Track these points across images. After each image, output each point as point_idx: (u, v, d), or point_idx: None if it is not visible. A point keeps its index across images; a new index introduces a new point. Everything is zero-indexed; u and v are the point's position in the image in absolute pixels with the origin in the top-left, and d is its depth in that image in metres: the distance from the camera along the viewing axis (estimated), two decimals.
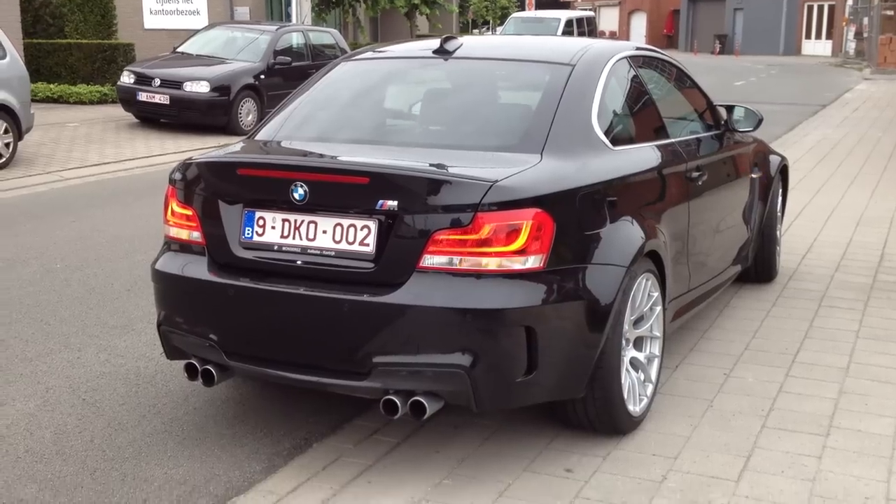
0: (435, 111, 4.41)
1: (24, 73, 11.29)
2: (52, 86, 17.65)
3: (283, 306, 3.57)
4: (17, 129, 11.01)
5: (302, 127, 4.26)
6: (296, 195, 3.52)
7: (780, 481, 3.59)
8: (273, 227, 3.63)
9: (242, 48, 15.58)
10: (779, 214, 6.47)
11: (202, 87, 14.24)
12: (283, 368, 3.64)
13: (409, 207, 3.43)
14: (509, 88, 4.38)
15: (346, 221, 3.52)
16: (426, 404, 3.42)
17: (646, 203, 4.16)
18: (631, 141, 4.36)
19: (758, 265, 6.13)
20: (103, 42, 19.23)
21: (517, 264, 3.41)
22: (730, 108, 5.48)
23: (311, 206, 3.54)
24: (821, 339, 5.20)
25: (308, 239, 3.58)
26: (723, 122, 5.44)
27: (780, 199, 6.42)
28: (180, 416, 4.17)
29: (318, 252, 3.56)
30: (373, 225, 3.48)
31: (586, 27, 29.65)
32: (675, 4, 58.76)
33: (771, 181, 6.06)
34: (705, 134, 5.25)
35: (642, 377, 4.11)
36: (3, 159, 10.84)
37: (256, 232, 3.66)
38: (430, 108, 4.44)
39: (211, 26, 17.71)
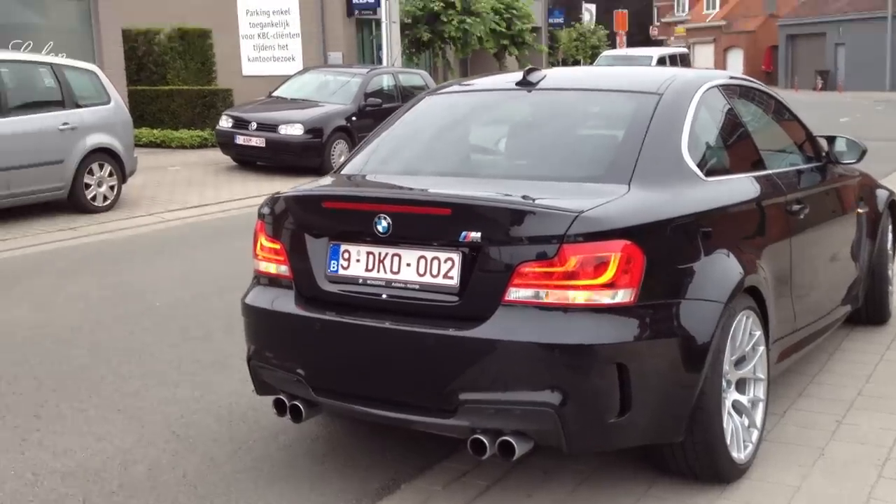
0: (519, 143, 4.35)
1: (128, 119, 11.65)
2: (154, 131, 18.22)
3: (367, 341, 3.53)
4: (121, 172, 11.35)
5: (387, 161, 4.25)
6: (379, 227, 3.48)
7: None
8: (358, 260, 3.60)
9: (335, 91, 15.86)
10: (890, 252, 6.17)
11: (296, 130, 14.51)
12: (368, 405, 3.59)
13: (493, 239, 3.35)
14: (594, 119, 4.29)
15: (429, 254, 3.46)
16: (515, 445, 3.31)
17: (744, 236, 4.00)
18: (725, 172, 4.21)
19: (869, 306, 5.83)
20: (203, 88, 19.83)
21: (606, 298, 3.29)
22: (831, 140, 5.26)
23: (395, 238, 3.50)
24: None
25: (392, 272, 3.53)
26: (824, 154, 5.23)
27: (890, 235, 6.13)
28: (271, 453, 4.15)
29: (403, 285, 3.51)
30: (456, 257, 3.41)
31: (679, 65, 29.28)
32: (773, 41, 57.74)
33: (879, 216, 5.79)
34: (806, 166, 5.05)
35: (746, 422, 3.92)
36: (108, 202, 11.17)
37: (342, 265, 3.64)
38: (513, 139, 4.38)
39: (305, 70, 18.10)
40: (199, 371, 5.27)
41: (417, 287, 3.48)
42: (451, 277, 3.43)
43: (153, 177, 13.92)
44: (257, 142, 14.66)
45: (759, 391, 4.00)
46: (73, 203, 10.81)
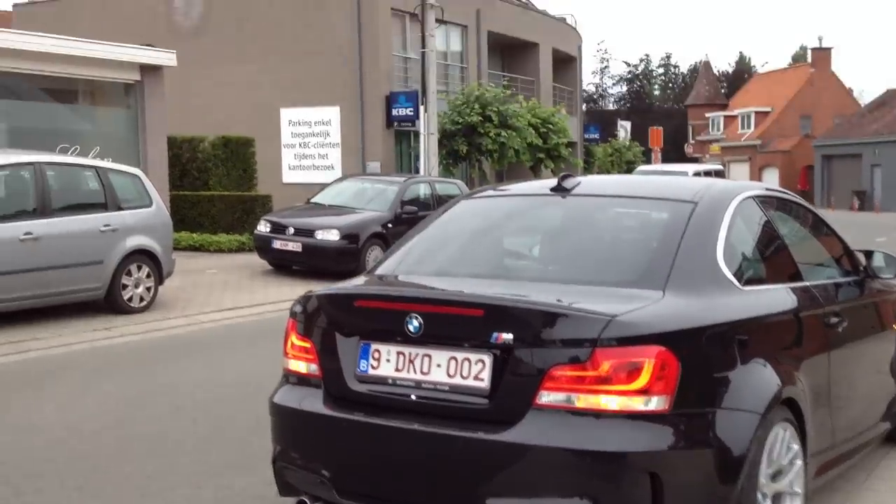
0: (552, 247, 4.35)
1: (168, 221, 11.86)
2: (194, 234, 18.51)
3: (394, 442, 3.48)
4: (159, 273, 11.49)
5: (420, 262, 4.26)
6: (411, 327, 3.47)
7: None
8: (388, 360, 3.58)
9: (372, 198, 16.07)
10: None
11: (333, 236, 14.67)
12: None
13: (525, 341, 3.33)
14: (629, 225, 4.30)
15: (460, 355, 3.44)
16: None
17: (781, 347, 3.94)
18: (762, 281, 4.18)
19: None
20: (243, 194, 20.20)
21: (640, 405, 3.24)
22: (869, 254, 5.22)
23: (426, 338, 3.49)
24: None
25: (422, 373, 3.51)
26: (862, 269, 5.18)
27: None
28: None
29: (432, 386, 3.48)
30: (487, 359, 3.38)
31: None
32: (808, 160, 57.98)
33: None
34: (843, 279, 5.00)
35: None
36: (144, 302, 11.28)
37: (371, 365, 3.62)
38: (547, 244, 4.39)
39: (343, 178, 18.42)
40: (225, 472, 5.21)
41: (447, 388, 3.45)
42: (482, 379, 3.39)
43: (190, 279, 14.08)
44: (294, 246, 14.82)
45: None
46: (110, 303, 10.92)
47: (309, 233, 14.80)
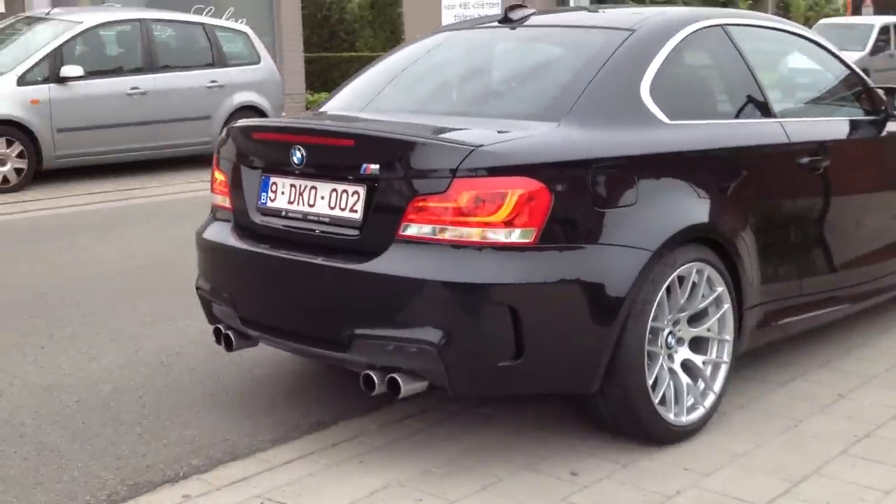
0: (480, 81, 4.20)
1: (278, 79, 12.11)
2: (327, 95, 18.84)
3: (278, 273, 3.53)
4: None
5: (355, 99, 4.20)
6: (295, 159, 3.46)
7: None
8: (283, 193, 3.60)
9: None
10: None
11: None
12: (281, 336, 3.59)
13: (390, 172, 3.25)
14: (561, 56, 4.06)
15: (340, 187, 3.41)
16: (401, 382, 3.22)
17: (712, 185, 3.65)
18: (702, 116, 3.87)
19: None
20: (383, 54, 20.27)
21: (501, 237, 3.12)
22: (891, 92, 4.70)
23: (311, 170, 3.47)
24: None
25: (309, 205, 3.50)
26: (882, 108, 4.68)
27: None
28: (234, 384, 4.22)
29: (316, 218, 3.48)
30: (361, 191, 3.34)
31: None
32: None
33: None
34: (841, 118, 4.56)
35: (703, 385, 3.62)
36: None
37: (270, 197, 3.64)
38: (477, 77, 4.23)
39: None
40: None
41: (328, 220, 3.45)
42: (356, 211, 3.36)
43: None
44: None
45: (724, 353, 3.67)
46: None
47: None
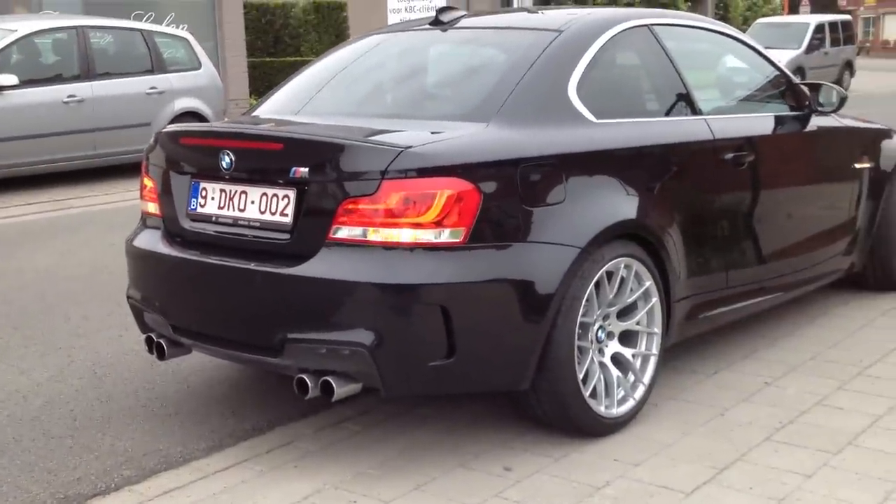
0: (413, 83, 4.22)
1: (219, 84, 12.05)
2: None
3: (209, 279, 3.52)
4: None
5: (288, 102, 4.20)
6: (223, 164, 3.45)
7: (739, 498, 3.08)
8: (213, 198, 3.59)
9: None
10: None
11: None
12: (214, 343, 3.58)
13: (319, 175, 3.26)
14: (492, 57, 4.10)
15: (270, 191, 3.40)
16: (334, 385, 3.23)
17: (636, 182, 3.70)
18: (628, 114, 3.94)
19: (875, 271, 5.34)
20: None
21: (431, 237, 3.15)
22: (815, 88, 4.82)
23: (241, 175, 3.47)
24: None
25: (239, 210, 3.50)
26: (806, 104, 4.79)
27: None
28: (168, 394, 4.19)
29: (247, 223, 3.47)
30: (292, 194, 3.34)
31: (841, 32, 27.37)
32: None
33: (887, 174, 5.24)
34: (766, 114, 4.66)
35: (632, 378, 3.68)
36: None
37: (200, 203, 3.63)
38: (410, 79, 4.26)
39: None
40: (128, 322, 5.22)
41: (259, 225, 3.44)
42: (287, 215, 3.36)
43: None
44: None
45: (653, 346, 3.74)
46: None
47: None
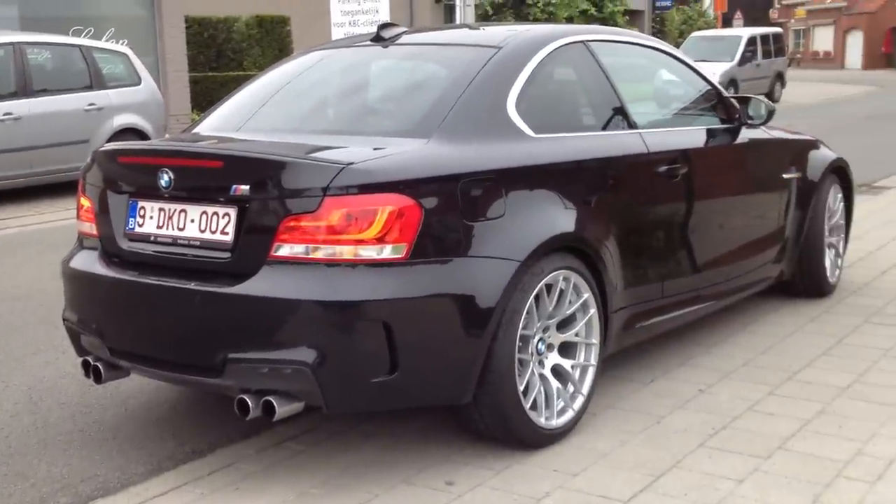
0: (353, 99, 4.26)
1: (160, 100, 11.94)
2: None
3: (147, 300, 3.49)
4: None
5: (229, 119, 4.20)
6: (162, 182, 3.44)
7: None
8: (151, 217, 3.57)
9: None
10: (841, 223, 5.77)
11: None
12: (152, 364, 3.54)
13: (261, 192, 3.26)
14: (433, 73, 4.16)
15: (210, 209, 3.40)
16: (275, 404, 3.22)
17: (576, 195, 3.78)
18: (565, 129, 4.01)
19: (804, 279, 5.49)
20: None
21: (373, 253, 3.17)
22: (744, 101, 4.95)
23: (180, 193, 3.45)
24: (839, 357, 4.57)
25: (178, 228, 3.48)
26: (736, 116, 4.92)
27: (839, 205, 5.72)
28: (106, 418, 4.14)
29: (186, 242, 3.46)
30: (232, 212, 3.34)
31: (772, 45, 27.99)
32: (894, 22, 54.93)
33: (814, 184, 5.40)
34: (698, 127, 4.78)
35: (572, 388, 3.74)
36: None
37: (138, 222, 3.61)
38: (351, 95, 4.29)
39: None
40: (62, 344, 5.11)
41: (199, 244, 3.43)
42: (227, 233, 3.36)
43: None
44: None
45: (591, 356, 3.80)
46: None
47: None
